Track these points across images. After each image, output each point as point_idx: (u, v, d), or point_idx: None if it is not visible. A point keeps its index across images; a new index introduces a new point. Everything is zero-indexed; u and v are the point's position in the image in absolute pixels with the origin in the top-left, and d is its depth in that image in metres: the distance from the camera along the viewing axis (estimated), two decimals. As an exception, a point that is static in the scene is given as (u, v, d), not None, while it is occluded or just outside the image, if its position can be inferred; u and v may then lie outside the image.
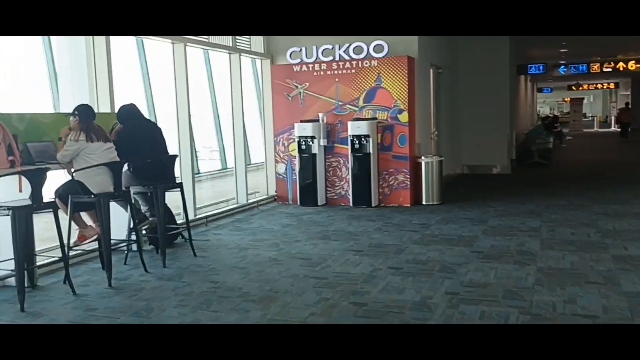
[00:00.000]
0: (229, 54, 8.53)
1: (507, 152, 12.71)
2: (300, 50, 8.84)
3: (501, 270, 5.01)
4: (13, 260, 4.39)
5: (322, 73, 8.78)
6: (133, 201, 5.63)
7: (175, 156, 5.91)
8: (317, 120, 8.66)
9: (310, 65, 8.82)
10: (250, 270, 5.28)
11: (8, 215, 4.35)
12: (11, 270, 4.48)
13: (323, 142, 8.63)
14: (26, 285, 4.68)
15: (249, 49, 9.09)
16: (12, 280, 4.63)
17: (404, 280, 4.78)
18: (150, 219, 5.87)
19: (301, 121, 8.68)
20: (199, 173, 8.99)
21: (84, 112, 5.16)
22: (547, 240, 6.10)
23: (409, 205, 8.46)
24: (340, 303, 4.29)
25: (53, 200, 4.86)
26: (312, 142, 8.58)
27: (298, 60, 8.90)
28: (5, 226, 4.50)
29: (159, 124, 6.25)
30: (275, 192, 9.26)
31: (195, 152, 10.93)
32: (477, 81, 12.28)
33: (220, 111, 13.60)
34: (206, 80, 13.28)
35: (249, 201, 8.70)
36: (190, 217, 6.69)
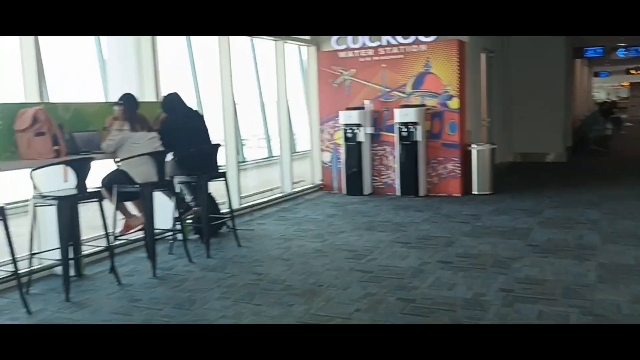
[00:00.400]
0: (275, 41, 8.40)
1: (562, 139, 12.16)
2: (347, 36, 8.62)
3: (559, 265, 4.72)
4: (59, 250, 4.41)
5: (368, 59, 8.55)
6: (178, 191, 5.59)
7: (218, 145, 5.84)
8: (363, 108, 8.45)
9: (357, 52, 8.60)
10: (294, 262, 5.17)
11: (54, 205, 4.37)
12: (57, 260, 4.51)
13: (369, 130, 8.42)
14: (73, 274, 4.72)
15: (294, 36, 8.93)
16: (59, 270, 4.66)
17: (455, 275, 4.56)
18: (195, 208, 5.82)
19: (347, 109, 8.49)
20: (244, 161, 8.95)
21: (129, 101, 5.14)
22: (608, 233, 5.73)
23: (458, 195, 8.16)
24: (386, 298, 4.11)
25: (98, 189, 4.86)
26: (358, 130, 8.38)
27: (344, 47, 8.69)
28: (52, 216, 4.53)
29: (205, 113, 6.20)
30: (321, 180, 9.13)
31: (241, 140, 10.91)
32: (530, 65, 11.74)
33: (266, 99, 13.55)
34: (252, 67, 13.22)
35: (294, 190, 8.59)
36: (235, 206, 6.62)
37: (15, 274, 4.08)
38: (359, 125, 8.36)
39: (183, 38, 10.96)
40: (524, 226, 6.16)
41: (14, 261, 4.04)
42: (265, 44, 9.08)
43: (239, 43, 9.15)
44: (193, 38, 10.95)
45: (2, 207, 3.98)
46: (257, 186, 9.54)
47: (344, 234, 6.17)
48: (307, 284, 4.53)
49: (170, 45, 9.33)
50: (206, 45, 9.16)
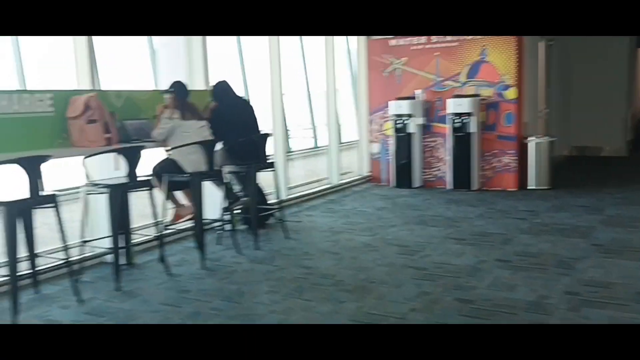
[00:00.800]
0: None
1: (621, 132, 11.56)
2: (398, 23, 8.36)
3: (626, 268, 4.42)
4: (110, 238, 4.39)
5: (420, 47, 8.28)
6: (226, 180, 5.52)
7: (267, 135, 5.73)
8: (414, 98, 8.20)
9: (408, 39, 8.34)
10: (343, 256, 5.02)
11: (105, 193, 4.35)
12: (108, 248, 4.50)
13: (420, 120, 8.17)
14: (123, 262, 4.72)
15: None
16: (109, 258, 4.66)
17: (514, 276, 4.32)
18: (243, 199, 5.74)
19: (397, 99, 8.25)
20: (290, 151, 8.85)
21: (179, 89, 5.09)
22: (680, 234, 5.36)
23: (514, 189, 7.84)
24: (443, 298, 3.92)
25: (149, 178, 4.83)
26: (409, 121, 8.14)
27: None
28: (103, 204, 4.52)
29: (252, 102, 6.10)
30: (369, 172, 8.94)
31: (287, 130, 10.81)
32: (591, 54, 11.18)
33: (312, 88, 13.41)
34: (299, 56, 13.09)
35: (342, 182, 8.43)
36: (283, 197, 6.52)
37: (67, 262, 4.08)
38: (409, 115, 8.12)
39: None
40: (586, 224, 5.83)
41: (66, 249, 4.04)
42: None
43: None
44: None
45: (53, 195, 3.98)
46: (304, 177, 9.42)
47: (394, 228, 5.98)
48: (358, 279, 4.38)
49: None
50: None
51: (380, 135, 8.73)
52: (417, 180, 8.33)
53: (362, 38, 8.89)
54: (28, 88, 4.88)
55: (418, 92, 8.24)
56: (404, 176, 8.32)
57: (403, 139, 8.25)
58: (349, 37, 9.35)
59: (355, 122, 9.19)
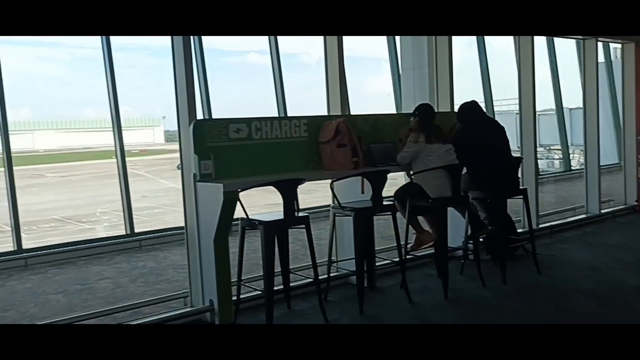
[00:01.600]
0: (583, 39, 7.39)
1: None
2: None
3: None
4: (354, 261, 4.44)
5: None
6: (471, 207, 5.21)
7: (520, 159, 5.27)
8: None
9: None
10: (610, 301, 4.30)
11: (350, 216, 4.42)
12: (352, 271, 4.55)
13: None
14: (366, 285, 4.73)
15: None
16: (353, 279, 4.72)
17: None
18: (489, 227, 5.35)
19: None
20: (541, 175, 8.11)
21: (424, 112, 4.97)
22: None
23: None
24: None
25: (392, 202, 4.79)
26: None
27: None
28: (348, 226, 4.60)
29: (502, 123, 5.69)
30: (636, 201, 7.70)
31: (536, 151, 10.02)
32: None
33: (565, 104, 12.26)
34: (548, 70, 12.11)
35: (602, 211, 7.40)
36: (533, 226, 5.92)
37: (316, 280, 4.21)
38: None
39: (474, 42, 10.59)
40: None
41: (315, 267, 4.18)
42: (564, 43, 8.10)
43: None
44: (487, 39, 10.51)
45: (307, 216, 4.17)
46: (554, 204, 8.56)
47: (675, 270, 4.98)
48: (632, 332, 3.67)
49: (460, 51, 9.04)
50: (500, 46, 8.59)
51: (652, 159, 7.48)
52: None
53: (630, 46, 7.76)
54: (289, 114, 5.26)
55: None
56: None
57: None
58: (612, 43, 8.27)
59: (615, 142, 8.04)
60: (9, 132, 6.57)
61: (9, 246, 6.51)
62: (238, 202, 3.88)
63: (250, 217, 4.02)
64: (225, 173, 4.14)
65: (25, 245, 6.68)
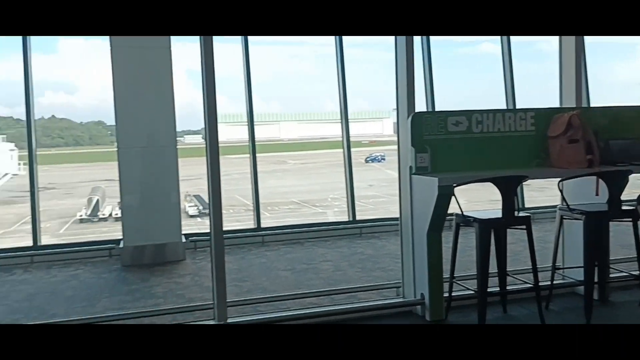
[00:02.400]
0: None
1: None
2: None
3: None
4: (582, 269, 4.01)
5: None
6: None
7: None
8: None
9: None
10: None
11: (580, 220, 3.99)
12: (579, 281, 4.12)
13: None
14: (595, 297, 4.25)
15: None
16: (580, 289, 4.27)
17: None
18: None
19: None
20: None
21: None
22: None
23: None
24: None
25: (634, 207, 4.18)
26: None
27: None
28: (578, 230, 4.16)
29: None
30: None
31: None
32: None
33: None
34: None
35: None
36: None
37: (536, 286, 3.92)
38: None
39: None
40: None
41: (535, 272, 3.89)
42: None
43: None
44: None
45: (528, 216, 3.90)
46: None
47: None
48: None
49: None
50: None
51: None
52: None
53: None
54: (517, 107, 4.96)
55: None
56: None
57: None
58: None
59: None
60: (257, 123, 7.43)
61: (251, 224, 7.38)
62: (453, 197, 3.80)
63: (465, 213, 3.90)
64: (442, 167, 4.09)
65: (266, 223, 7.53)
